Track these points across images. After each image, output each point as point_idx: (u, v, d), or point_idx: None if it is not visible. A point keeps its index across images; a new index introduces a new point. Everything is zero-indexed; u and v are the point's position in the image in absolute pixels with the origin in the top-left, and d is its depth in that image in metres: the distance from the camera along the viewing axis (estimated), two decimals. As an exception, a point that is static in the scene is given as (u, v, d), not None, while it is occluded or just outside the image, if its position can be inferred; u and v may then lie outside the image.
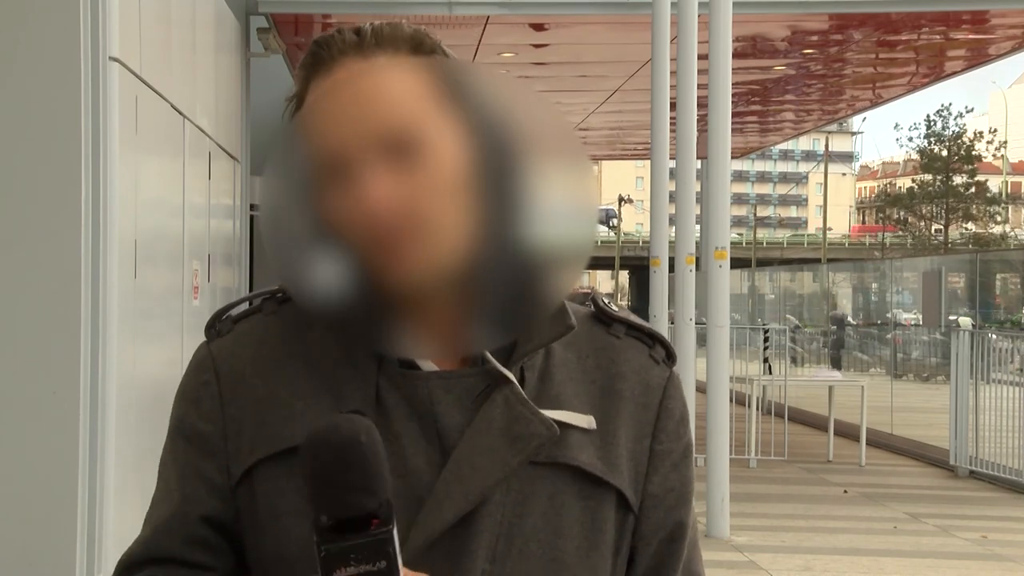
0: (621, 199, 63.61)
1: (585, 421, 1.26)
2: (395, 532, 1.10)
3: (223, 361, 1.30)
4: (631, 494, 1.29)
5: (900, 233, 57.75)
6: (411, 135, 1.19)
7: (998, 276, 20.94)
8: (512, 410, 1.23)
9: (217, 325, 1.33)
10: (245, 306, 1.36)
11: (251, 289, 11.13)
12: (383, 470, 1.10)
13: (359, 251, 1.19)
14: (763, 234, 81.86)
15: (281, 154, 1.23)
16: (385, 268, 1.19)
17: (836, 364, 18.12)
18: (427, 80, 1.22)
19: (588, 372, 1.30)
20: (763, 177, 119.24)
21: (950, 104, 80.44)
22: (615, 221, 62.62)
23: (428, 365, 1.26)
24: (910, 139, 58.75)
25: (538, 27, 11.89)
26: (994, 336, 12.75)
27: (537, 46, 12.75)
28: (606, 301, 1.36)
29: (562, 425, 1.25)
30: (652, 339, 1.34)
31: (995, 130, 57.76)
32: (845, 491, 10.83)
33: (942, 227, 54.26)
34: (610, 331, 1.33)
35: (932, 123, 53.17)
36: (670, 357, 1.35)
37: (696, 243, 10.20)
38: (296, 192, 1.22)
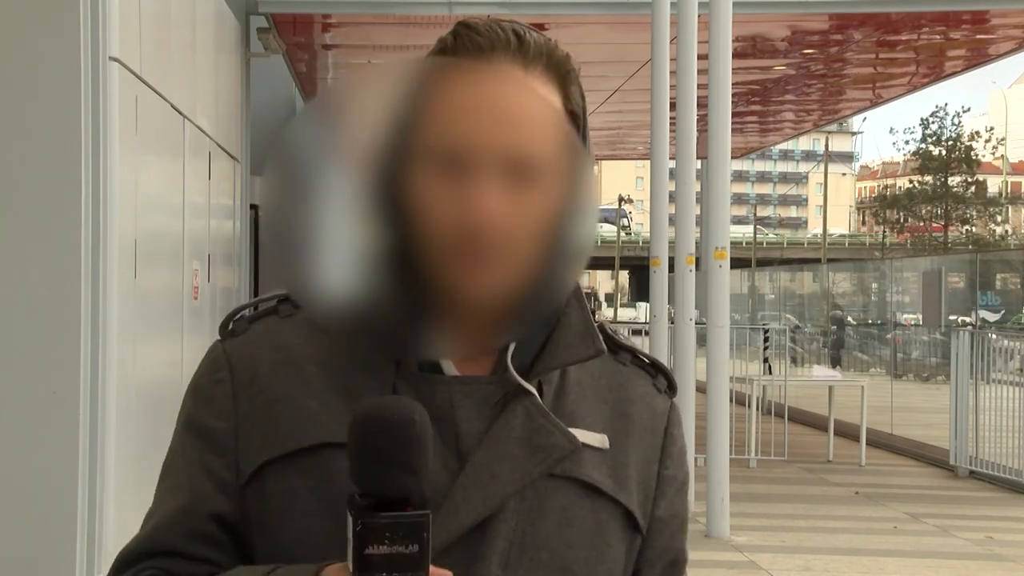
0: (621, 199, 63.59)
1: (598, 440, 1.28)
2: (431, 520, 1.10)
3: (237, 360, 1.29)
4: (639, 515, 1.31)
5: (900, 235, 57.72)
6: (539, 165, 1.19)
7: (998, 276, 20.95)
8: (533, 421, 1.24)
9: (231, 325, 1.33)
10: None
11: (255, 288, 11.14)
12: (428, 457, 1.11)
13: (439, 249, 1.18)
14: (763, 234, 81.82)
15: (405, 89, 1.18)
16: (460, 277, 1.18)
17: (836, 364, 18.12)
18: (564, 117, 1.23)
19: (600, 393, 1.32)
20: (763, 177, 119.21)
21: (946, 104, 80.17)
22: (626, 221, 62.61)
23: (450, 369, 1.26)
24: (907, 142, 58.57)
25: (538, 27, 11.81)
26: (994, 336, 12.75)
27: (537, 46, 12.73)
28: (613, 330, 1.38)
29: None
30: (655, 369, 1.38)
31: (992, 128, 57.66)
32: (856, 492, 10.82)
33: (942, 228, 54.23)
34: (617, 358, 1.36)
35: (927, 124, 53.11)
36: (671, 388, 1.38)
37: (696, 243, 10.20)
38: (395, 141, 1.19)
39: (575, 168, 1.21)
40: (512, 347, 1.26)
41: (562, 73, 1.26)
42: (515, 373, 1.25)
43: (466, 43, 1.23)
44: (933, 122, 53.16)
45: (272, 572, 1.19)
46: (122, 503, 5.10)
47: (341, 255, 1.19)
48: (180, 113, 6.69)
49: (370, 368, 1.25)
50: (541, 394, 1.27)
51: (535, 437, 1.23)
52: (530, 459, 1.23)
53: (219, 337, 1.33)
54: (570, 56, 1.27)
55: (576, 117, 1.27)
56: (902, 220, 56.34)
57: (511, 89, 1.19)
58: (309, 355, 1.27)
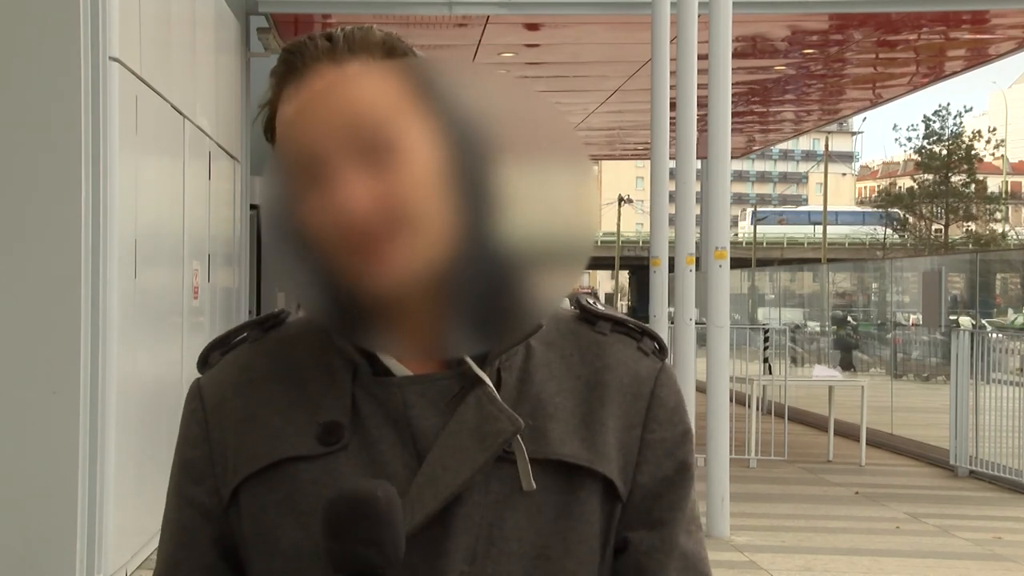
0: (621, 199, 63.60)
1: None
2: None
3: (208, 389, 1.32)
4: (619, 483, 1.28)
5: (901, 235, 57.69)
6: (384, 135, 1.19)
7: (998, 276, 20.96)
8: (483, 409, 1.24)
9: (209, 359, 1.35)
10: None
11: (257, 289, 11.17)
12: (396, 531, 1.14)
13: (336, 254, 1.20)
14: (763, 232, 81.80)
15: (268, 162, 1.25)
16: (362, 270, 1.20)
17: (846, 365, 18.09)
18: (399, 81, 1.22)
19: (572, 368, 1.30)
20: (763, 177, 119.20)
21: (948, 104, 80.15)
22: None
23: (400, 370, 1.27)
24: (909, 139, 58.53)
25: (538, 27, 11.89)
26: (994, 336, 12.75)
27: (537, 46, 12.75)
28: (590, 301, 1.37)
29: (542, 418, 1.25)
30: (640, 333, 1.34)
31: (994, 129, 57.64)
32: (856, 492, 10.83)
33: (942, 227, 54.22)
34: (595, 329, 1.34)
35: (930, 123, 53.10)
36: (661, 349, 1.35)
37: (696, 243, 10.21)
38: (279, 198, 1.24)
39: (444, 128, 1.21)
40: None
41: (386, 50, 1.26)
42: (472, 363, 1.25)
43: (286, 68, 1.26)
44: (935, 121, 53.16)
45: None
46: (122, 503, 5.10)
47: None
48: (180, 113, 6.70)
49: (329, 379, 1.27)
50: (501, 382, 1.26)
51: (484, 425, 1.23)
52: (478, 447, 1.22)
53: (199, 374, 1.36)
54: (392, 34, 1.28)
55: (421, 76, 1.25)
56: (903, 219, 56.33)
57: (324, 85, 1.22)
58: (273, 374, 1.29)
